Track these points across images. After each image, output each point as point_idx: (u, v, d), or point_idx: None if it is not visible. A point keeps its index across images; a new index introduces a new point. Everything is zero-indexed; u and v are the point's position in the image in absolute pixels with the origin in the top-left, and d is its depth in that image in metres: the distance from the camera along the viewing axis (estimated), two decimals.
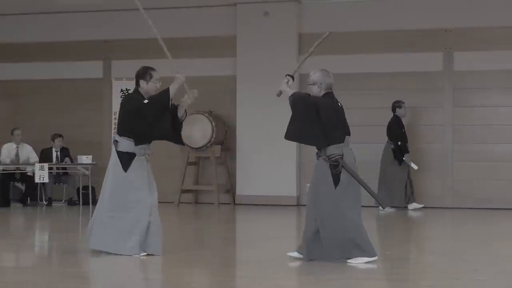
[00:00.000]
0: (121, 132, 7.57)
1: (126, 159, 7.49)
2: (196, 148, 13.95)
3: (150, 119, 7.38)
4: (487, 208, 13.32)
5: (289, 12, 14.31)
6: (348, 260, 6.84)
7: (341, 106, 7.23)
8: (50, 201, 14.04)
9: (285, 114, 14.42)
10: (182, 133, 7.73)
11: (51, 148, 14.32)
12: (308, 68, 14.00)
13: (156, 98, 7.43)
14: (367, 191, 6.98)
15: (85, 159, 13.87)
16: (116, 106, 15.20)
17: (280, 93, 7.36)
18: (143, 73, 7.57)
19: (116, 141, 7.56)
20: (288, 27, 14.30)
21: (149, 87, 7.53)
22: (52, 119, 15.16)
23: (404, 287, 6.11)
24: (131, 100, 7.56)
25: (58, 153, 14.31)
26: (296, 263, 7.03)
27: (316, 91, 7.21)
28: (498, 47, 13.67)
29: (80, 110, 15.25)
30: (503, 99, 13.77)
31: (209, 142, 13.85)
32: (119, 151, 7.53)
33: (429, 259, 7.44)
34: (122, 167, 7.49)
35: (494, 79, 13.76)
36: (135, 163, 7.50)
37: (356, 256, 6.86)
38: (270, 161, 14.05)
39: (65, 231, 10.40)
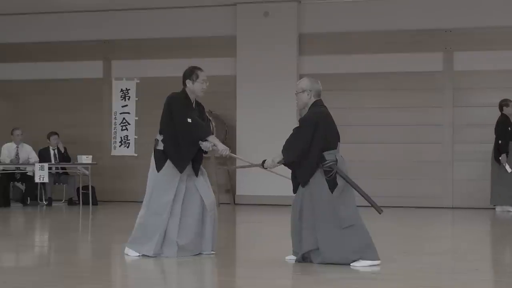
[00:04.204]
0: (161, 130, 7.41)
1: (160, 159, 7.34)
2: None
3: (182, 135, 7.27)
4: (487, 208, 13.31)
5: (289, 12, 14.31)
6: (352, 264, 6.81)
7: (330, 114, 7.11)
8: (50, 201, 14.04)
9: (285, 114, 14.41)
10: None
11: (48, 147, 14.33)
12: (307, 68, 14.16)
13: (196, 128, 7.25)
14: (363, 196, 6.91)
15: (85, 159, 13.88)
16: (116, 106, 15.22)
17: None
18: (190, 73, 7.45)
19: (156, 140, 7.39)
20: (288, 27, 14.31)
21: (195, 87, 7.40)
22: (52, 119, 15.17)
23: (404, 287, 6.11)
24: (177, 101, 7.35)
25: (56, 151, 14.32)
26: (296, 263, 7.03)
27: (305, 98, 7.03)
28: (498, 47, 13.69)
29: (80, 110, 15.26)
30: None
31: None
32: (157, 150, 7.37)
33: (429, 259, 7.43)
34: (156, 166, 7.34)
35: (494, 79, 13.76)
36: (169, 164, 7.31)
37: (359, 259, 6.82)
38: None
39: (65, 231, 10.40)
